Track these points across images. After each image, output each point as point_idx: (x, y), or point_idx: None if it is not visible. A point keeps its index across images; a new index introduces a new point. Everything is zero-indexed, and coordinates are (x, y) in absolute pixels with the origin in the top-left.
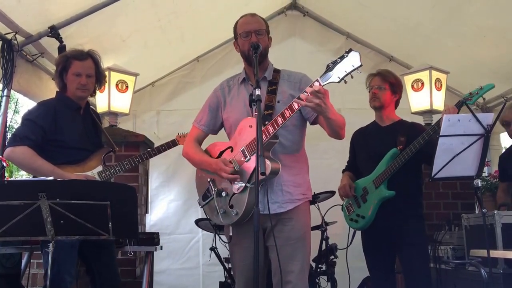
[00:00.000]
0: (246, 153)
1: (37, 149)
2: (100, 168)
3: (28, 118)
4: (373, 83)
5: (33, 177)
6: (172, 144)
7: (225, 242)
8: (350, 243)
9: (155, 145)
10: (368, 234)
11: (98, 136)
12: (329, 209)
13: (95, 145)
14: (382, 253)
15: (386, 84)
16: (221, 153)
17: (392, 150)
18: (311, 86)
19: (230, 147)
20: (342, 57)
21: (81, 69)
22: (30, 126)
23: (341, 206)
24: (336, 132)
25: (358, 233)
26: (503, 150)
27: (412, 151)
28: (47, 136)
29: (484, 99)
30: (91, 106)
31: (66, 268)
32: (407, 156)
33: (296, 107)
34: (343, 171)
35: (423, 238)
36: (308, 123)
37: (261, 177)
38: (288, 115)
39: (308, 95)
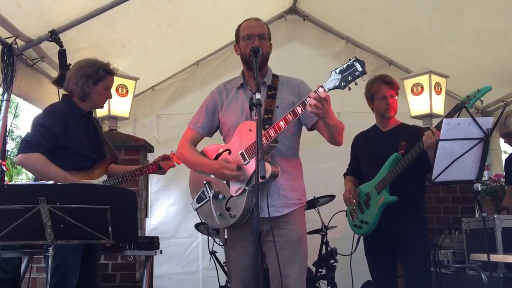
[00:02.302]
0: (246, 156)
1: (48, 154)
2: (105, 177)
3: (41, 124)
4: (385, 93)
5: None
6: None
7: (222, 245)
8: (355, 249)
9: (155, 149)
10: (370, 239)
11: (100, 144)
12: (333, 216)
13: (97, 153)
14: (384, 258)
15: (395, 91)
16: (218, 155)
17: (393, 155)
18: (315, 92)
19: (228, 149)
20: (346, 64)
21: (111, 84)
22: (43, 133)
23: (344, 212)
24: (334, 137)
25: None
26: (503, 154)
27: (413, 155)
28: (58, 142)
29: (481, 101)
30: (92, 115)
31: (72, 271)
32: (408, 161)
33: (300, 111)
34: (345, 174)
35: (425, 242)
36: (304, 130)
37: (260, 180)
38: (291, 119)
39: (312, 100)
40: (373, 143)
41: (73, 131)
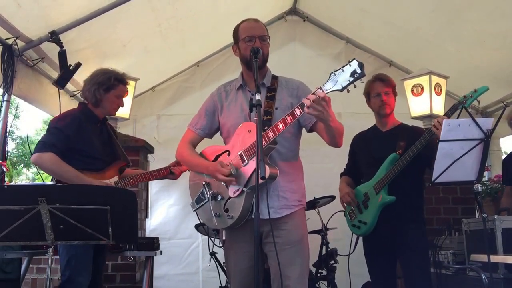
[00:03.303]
0: (244, 157)
1: (60, 155)
2: (116, 178)
3: (56, 127)
4: (379, 90)
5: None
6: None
7: (221, 247)
8: (354, 249)
9: (155, 150)
10: (369, 239)
11: (114, 148)
12: (332, 216)
13: (111, 156)
14: (383, 258)
15: (390, 89)
16: (217, 156)
17: (391, 155)
18: (314, 93)
19: (227, 151)
20: (345, 66)
21: (123, 93)
22: (57, 135)
23: (343, 212)
24: (334, 140)
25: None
26: (503, 155)
27: (410, 155)
28: (70, 144)
29: (478, 102)
30: (108, 121)
31: (83, 265)
32: (406, 161)
33: (298, 113)
34: (341, 175)
35: (424, 243)
36: (304, 130)
37: (260, 181)
38: (289, 121)
39: (311, 101)
40: (372, 144)
41: (86, 134)
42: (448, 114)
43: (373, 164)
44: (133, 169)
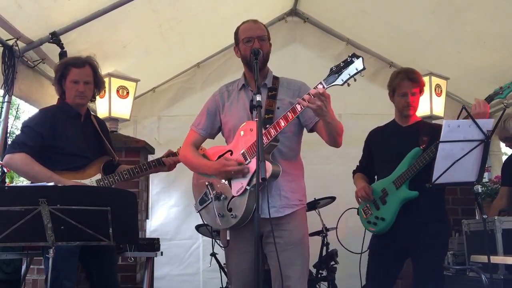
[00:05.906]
0: (247, 155)
1: (36, 155)
2: (99, 176)
3: (27, 125)
4: (406, 89)
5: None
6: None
7: (222, 247)
8: (367, 248)
9: (156, 151)
10: (381, 237)
11: (100, 144)
12: (343, 213)
13: (96, 153)
14: (389, 258)
15: (418, 89)
16: (220, 157)
17: (414, 149)
18: (315, 88)
19: (230, 150)
20: (345, 61)
21: (78, 77)
22: (28, 133)
23: (348, 213)
24: (334, 138)
25: (359, 238)
26: (503, 156)
27: (434, 151)
28: (45, 142)
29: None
30: (93, 114)
31: (66, 274)
32: (429, 158)
33: (299, 109)
34: (354, 172)
35: (442, 242)
36: (304, 132)
37: (260, 182)
38: (291, 118)
39: (310, 96)
40: (391, 139)
41: (63, 130)
42: (489, 100)
43: (391, 159)
44: (128, 166)
